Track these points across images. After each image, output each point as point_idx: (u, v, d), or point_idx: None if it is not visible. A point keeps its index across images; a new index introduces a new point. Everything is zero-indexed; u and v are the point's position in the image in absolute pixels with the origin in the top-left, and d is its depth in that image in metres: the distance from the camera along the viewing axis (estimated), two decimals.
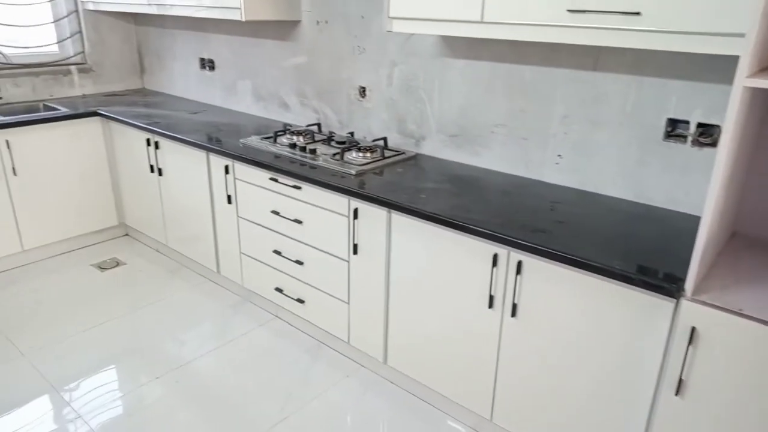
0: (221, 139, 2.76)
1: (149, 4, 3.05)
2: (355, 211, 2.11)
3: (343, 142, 2.60)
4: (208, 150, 2.66)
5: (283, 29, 2.93)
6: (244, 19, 2.58)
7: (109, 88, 3.83)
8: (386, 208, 2.00)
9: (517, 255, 1.68)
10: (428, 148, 2.53)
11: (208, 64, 3.45)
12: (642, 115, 1.89)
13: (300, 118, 3.04)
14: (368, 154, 2.41)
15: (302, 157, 2.44)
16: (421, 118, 2.51)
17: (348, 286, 2.25)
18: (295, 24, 2.87)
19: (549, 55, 2.04)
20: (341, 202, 2.15)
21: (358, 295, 2.22)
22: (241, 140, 2.68)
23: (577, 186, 2.11)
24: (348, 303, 2.28)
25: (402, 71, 2.51)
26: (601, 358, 1.58)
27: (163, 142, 2.94)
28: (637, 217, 1.83)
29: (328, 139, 2.66)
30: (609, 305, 1.52)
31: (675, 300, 1.39)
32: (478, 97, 2.29)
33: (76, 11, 3.60)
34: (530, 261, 1.66)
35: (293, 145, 2.54)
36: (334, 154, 2.43)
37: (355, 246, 2.15)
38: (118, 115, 3.19)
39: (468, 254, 1.81)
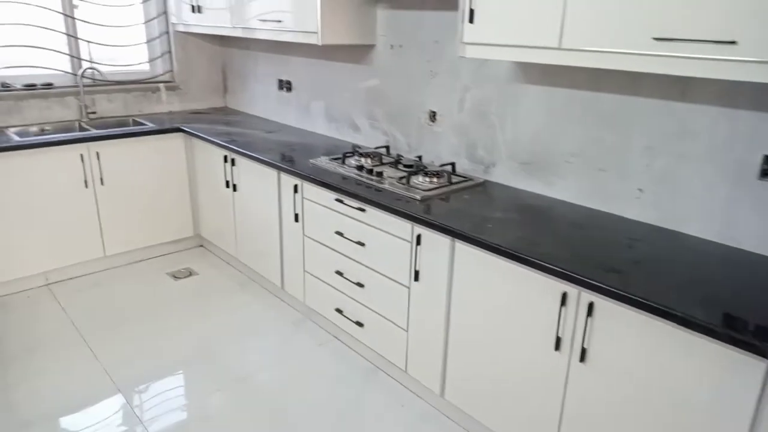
0: (293, 158, 2.81)
1: (234, 27, 3.19)
2: (418, 237, 2.07)
3: (411, 166, 2.58)
4: (280, 169, 2.72)
5: (357, 52, 2.97)
6: (320, 44, 2.63)
7: (194, 105, 4.04)
8: (450, 236, 1.94)
9: (588, 295, 1.58)
10: (498, 175, 2.45)
11: (285, 86, 3.56)
12: (734, 150, 1.73)
13: (370, 140, 3.06)
14: (435, 179, 2.38)
15: (368, 179, 2.44)
16: (492, 144, 2.45)
17: (407, 313, 2.20)
18: (369, 48, 2.90)
19: (630, 83, 1.93)
20: (404, 227, 2.12)
21: (418, 323, 2.17)
22: (311, 160, 2.72)
23: (657, 223, 1.97)
24: (406, 330, 2.23)
25: (474, 96, 2.47)
26: (676, 416, 1.43)
27: (239, 160, 3.05)
28: (725, 261, 1.67)
29: (396, 162, 2.65)
30: (689, 359, 1.38)
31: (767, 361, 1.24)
32: (553, 124, 2.20)
33: (167, 32, 3.83)
34: (603, 303, 1.55)
35: (360, 167, 2.54)
36: (401, 178, 2.41)
37: (417, 273, 2.10)
38: (199, 132, 3.34)
39: (535, 291, 1.72)
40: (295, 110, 3.56)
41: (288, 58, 3.50)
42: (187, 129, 3.40)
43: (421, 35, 2.63)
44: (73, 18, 3.48)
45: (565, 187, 2.22)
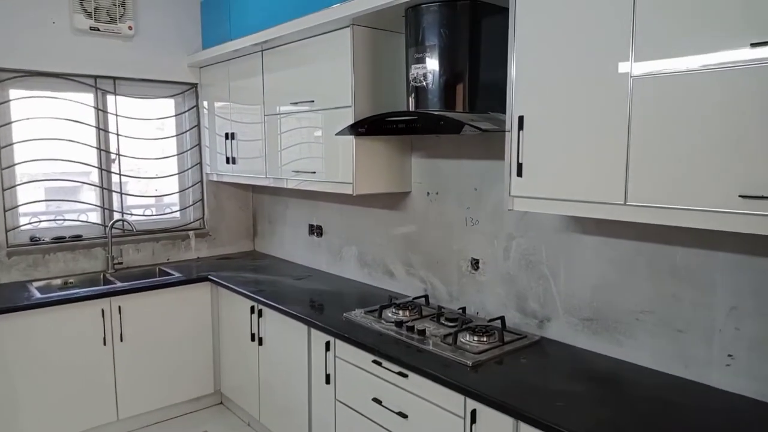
0: (324, 310, 2.62)
1: (267, 177, 3.17)
2: (473, 414, 1.77)
3: (455, 320, 2.35)
4: (310, 324, 2.51)
5: (391, 199, 2.88)
6: (354, 194, 2.55)
7: (223, 251, 3.96)
8: (513, 417, 1.65)
9: None
10: (555, 332, 2.19)
11: (316, 230, 3.47)
12: None
13: (406, 288, 2.86)
14: (485, 338, 2.12)
15: (409, 338, 2.20)
16: (545, 297, 2.22)
17: None
18: (404, 195, 2.81)
19: (706, 236, 1.74)
20: (455, 400, 1.83)
21: None
22: (345, 314, 2.51)
23: (757, 396, 1.66)
24: None
25: (520, 245, 2.30)
26: None
27: (267, 311, 2.86)
28: None
29: (438, 315, 2.42)
30: None
31: None
32: (617, 277, 1.99)
33: (201, 181, 3.86)
34: None
35: (400, 324, 2.31)
36: (446, 336, 2.17)
37: None
38: (227, 280, 3.20)
39: None
40: (325, 255, 3.43)
41: (319, 203, 3.44)
42: (214, 278, 3.27)
43: (460, 183, 2.53)
44: (110, 171, 3.53)
45: (637, 348, 1.94)
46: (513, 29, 1.83)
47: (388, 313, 2.48)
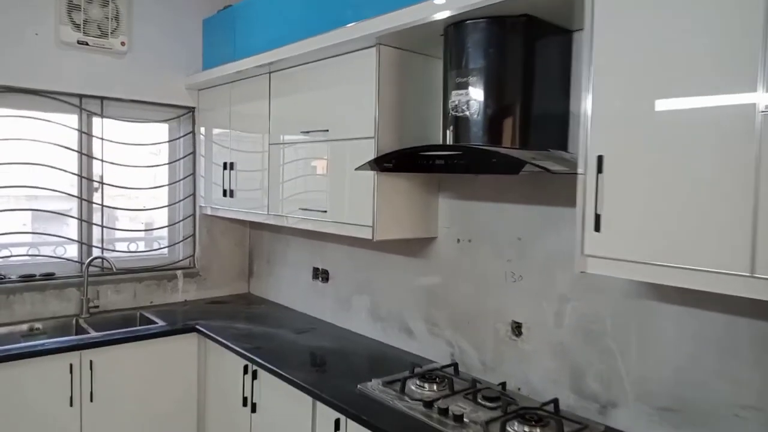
0: (332, 376, 2.20)
1: (269, 215, 2.78)
2: None
3: (496, 399, 1.92)
4: (316, 397, 2.08)
5: (413, 244, 2.49)
6: (374, 240, 2.16)
7: (213, 293, 3.53)
8: None
9: None
10: (623, 421, 1.78)
11: (322, 275, 3.06)
12: None
13: (427, 350, 2.44)
14: (538, 430, 1.71)
15: (442, 423, 1.77)
16: (610, 376, 1.81)
17: None
18: (428, 240, 2.42)
19: None
20: None
21: None
22: (359, 386, 2.08)
23: None
24: None
25: (577, 310, 1.90)
26: None
27: (263, 374, 2.42)
28: None
29: (473, 392, 1.99)
30: None
31: None
32: (708, 359, 1.59)
33: (194, 215, 3.47)
34: None
35: (429, 404, 1.88)
36: (489, 423, 1.75)
37: None
38: (217, 331, 2.77)
39: None
40: (332, 304, 3.01)
41: (326, 244, 3.04)
42: (202, 328, 2.84)
43: (499, 230, 2.15)
44: (90, 202, 3.13)
45: None
46: (590, 51, 1.47)
47: (412, 386, 2.05)
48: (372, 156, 2.14)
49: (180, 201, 3.44)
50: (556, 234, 1.95)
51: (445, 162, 1.76)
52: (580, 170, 1.50)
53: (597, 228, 1.45)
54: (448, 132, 1.91)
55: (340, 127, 2.34)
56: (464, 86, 1.82)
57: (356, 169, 2.12)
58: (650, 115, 1.36)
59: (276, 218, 2.76)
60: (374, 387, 2.07)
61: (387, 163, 1.97)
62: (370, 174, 2.17)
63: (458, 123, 1.86)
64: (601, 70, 1.46)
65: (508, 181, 2.12)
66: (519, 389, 2.07)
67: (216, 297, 3.52)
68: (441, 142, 2.00)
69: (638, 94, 1.38)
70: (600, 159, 1.45)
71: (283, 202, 2.70)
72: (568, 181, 1.74)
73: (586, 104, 1.48)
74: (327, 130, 2.39)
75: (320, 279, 3.08)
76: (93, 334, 2.72)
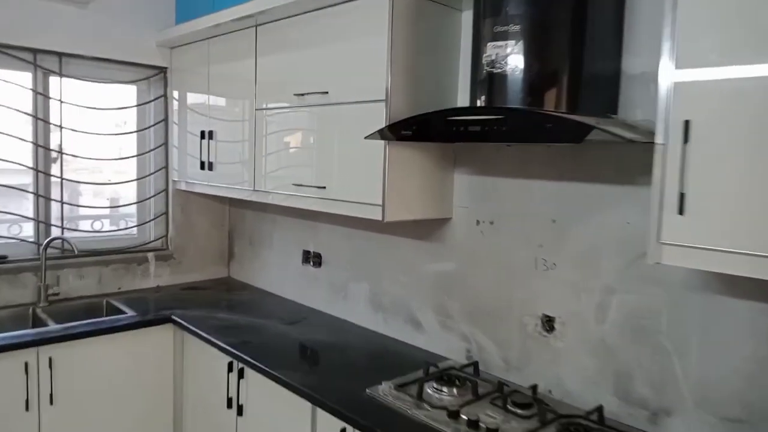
0: (333, 376, 1.92)
1: (255, 191, 2.44)
2: None
3: (529, 406, 1.67)
4: (316, 403, 1.80)
5: (422, 226, 2.20)
6: (384, 221, 1.86)
7: (189, 277, 3.19)
8: None
9: None
10: (678, 431, 1.55)
11: (313, 259, 2.75)
12: None
13: (438, 345, 2.18)
14: None
15: None
16: (662, 379, 1.57)
17: None
18: (441, 221, 2.14)
19: None
20: None
21: None
22: (368, 390, 1.80)
23: None
24: None
25: (625, 303, 1.65)
26: None
27: (251, 372, 2.12)
28: None
29: (501, 395, 1.73)
30: None
31: None
32: None
33: (166, 190, 3.10)
34: None
35: (454, 414, 1.61)
36: None
37: None
38: (196, 323, 2.45)
39: None
40: (325, 291, 2.71)
41: (318, 225, 2.73)
42: (179, 319, 2.51)
43: (528, 211, 1.87)
44: (48, 175, 2.74)
45: None
46: None
47: (429, 390, 1.78)
48: (383, 123, 1.82)
49: (150, 174, 3.06)
50: (600, 216, 1.69)
51: (481, 128, 1.46)
52: (658, 139, 1.22)
53: (681, 210, 1.18)
54: (478, 93, 1.61)
55: (344, 89, 2.01)
56: (503, 37, 1.51)
57: (366, 137, 1.80)
58: (754, 71, 1.09)
59: (261, 195, 2.43)
60: (386, 391, 1.79)
61: (405, 130, 1.66)
62: (379, 144, 1.86)
63: (493, 82, 1.56)
64: (691, 13, 1.17)
65: (539, 153, 1.84)
66: (550, 392, 1.82)
67: (192, 282, 3.18)
68: (467, 105, 1.69)
69: (742, 42, 1.11)
70: (687, 125, 1.17)
71: (271, 176, 2.37)
72: (613, 153, 1.48)
73: (665, 58, 1.20)
74: (326, 92, 2.06)
75: (311, 263, 2.78)
76: (52, 326, 2.37)
